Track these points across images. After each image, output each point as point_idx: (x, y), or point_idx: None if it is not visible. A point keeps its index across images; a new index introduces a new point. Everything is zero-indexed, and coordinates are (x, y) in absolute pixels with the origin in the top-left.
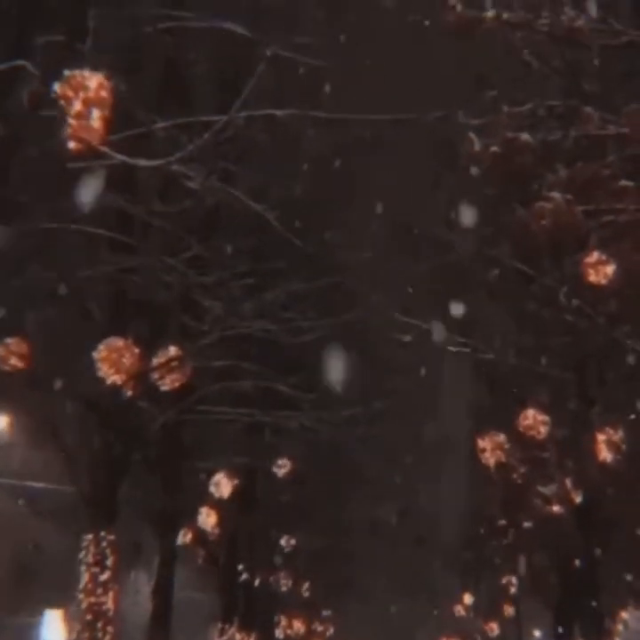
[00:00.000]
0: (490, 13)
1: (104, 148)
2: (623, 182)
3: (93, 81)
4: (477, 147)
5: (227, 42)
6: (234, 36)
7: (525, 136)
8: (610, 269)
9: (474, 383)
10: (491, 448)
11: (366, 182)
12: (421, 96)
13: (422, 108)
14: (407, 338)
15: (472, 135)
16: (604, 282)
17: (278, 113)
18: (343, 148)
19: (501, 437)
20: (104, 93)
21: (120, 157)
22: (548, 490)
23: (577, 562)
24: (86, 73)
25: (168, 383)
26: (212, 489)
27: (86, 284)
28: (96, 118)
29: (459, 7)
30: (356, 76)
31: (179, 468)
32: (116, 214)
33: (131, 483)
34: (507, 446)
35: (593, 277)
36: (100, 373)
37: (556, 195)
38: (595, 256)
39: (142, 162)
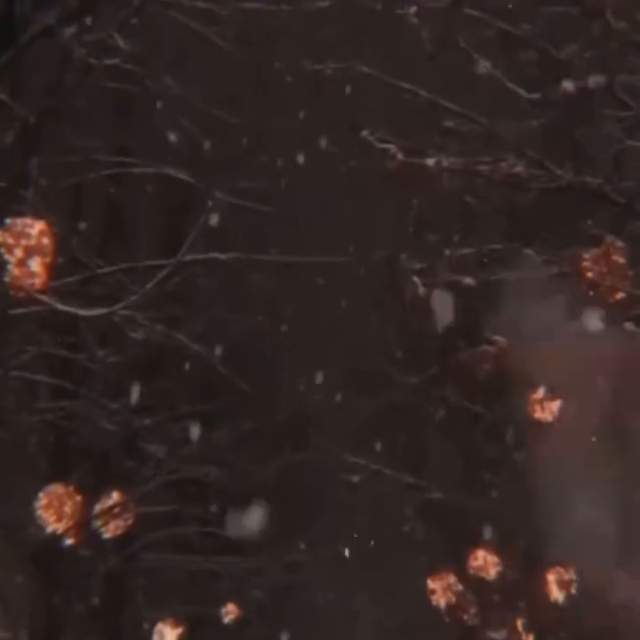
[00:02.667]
0: (430, 160)
1: (44, 297)
2: None
3: (35, 228)
4: (421, 291)
5: (171, 187)
6: (178, 181)
7: (468, 280)
8: (555, 405)
9: (424, 522)
10: (441, 589)
11: (313, 320)
12: (363, 239)
13: (364, 251)
14: (355, 479)
15: (416, 279)
16: (550, 418)
17: (222, 257)
18: (290, 288)
19: (451, 578)
20: (46, 240)
21: (61, 307)
22: (499, 634)
23: None
24: (28, 220)
25: (111, 530)
26: (156, 638)
27: (27, 431)
28: (37, 265)
29: (399, 155)
30: (299, 218)
31: (122, 618)
32: (58, 359)
33: (72, 633)
34: (457, 587)
35: (539, 414)
36: (41, 521)
37: (499, 338)
38: (541, 392)
39: (83, 311)
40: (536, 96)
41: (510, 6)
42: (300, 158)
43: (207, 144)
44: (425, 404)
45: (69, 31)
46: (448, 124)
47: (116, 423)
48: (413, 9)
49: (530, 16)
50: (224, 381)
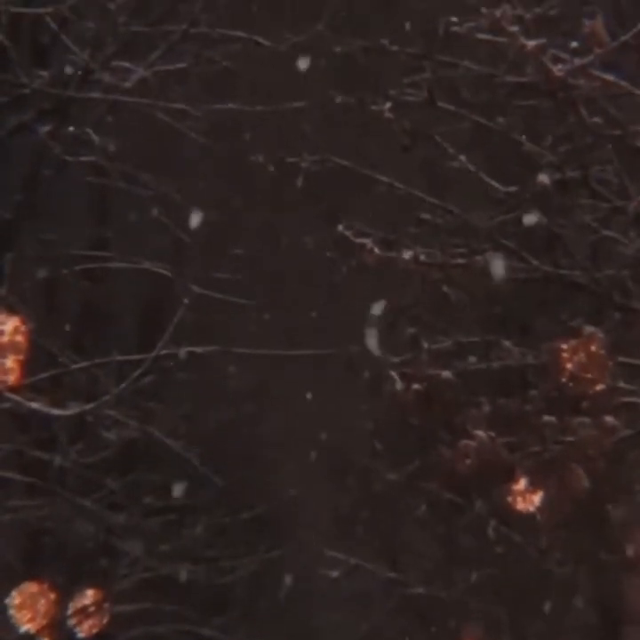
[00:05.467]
0: (407, 254)
1: (16, 396)
2: (546, 418)
3: (9, 325)
4: (399, 386)
5: (147, 281)
6: (154, 275)
7: (446, 373)
8: (537, 497)
9: (405, 617)
10: None
11: (290, 413)
12: (340, 332)
13: (341, 344)
14: (335, 573)
15: (393, 373)
16: (531, 509)
17: (199, 350)
18: (267, 381)
19: None
20: (19, 337)
21: (34, 405)
22: None
23: None
24: (2, 316)
25: (85, 629)
26: None
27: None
28: (11, 362)
29: (376, 249)
30: (276, 309)
31: None
32: (31, 457)
33: None
34: None
35: (521, 505)
36: (14, 621)
37: (479, 433)
38: (522, 483)
39: (56, 411)
40: (512, 189)
41: (485, 100)
42: (277, 251)
43: (184, 238)
44: (405, 497)
45: (45, 128)
46: (424, 216)
47: (90, 521)
48: (388, 104)
49: (504, 110)
50: (200, 476)
